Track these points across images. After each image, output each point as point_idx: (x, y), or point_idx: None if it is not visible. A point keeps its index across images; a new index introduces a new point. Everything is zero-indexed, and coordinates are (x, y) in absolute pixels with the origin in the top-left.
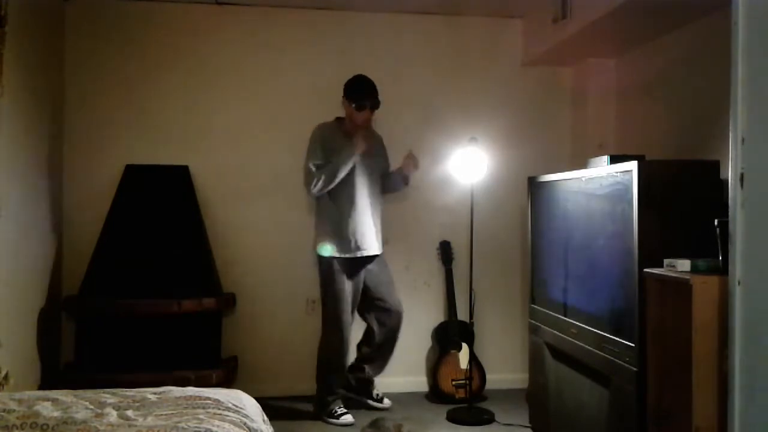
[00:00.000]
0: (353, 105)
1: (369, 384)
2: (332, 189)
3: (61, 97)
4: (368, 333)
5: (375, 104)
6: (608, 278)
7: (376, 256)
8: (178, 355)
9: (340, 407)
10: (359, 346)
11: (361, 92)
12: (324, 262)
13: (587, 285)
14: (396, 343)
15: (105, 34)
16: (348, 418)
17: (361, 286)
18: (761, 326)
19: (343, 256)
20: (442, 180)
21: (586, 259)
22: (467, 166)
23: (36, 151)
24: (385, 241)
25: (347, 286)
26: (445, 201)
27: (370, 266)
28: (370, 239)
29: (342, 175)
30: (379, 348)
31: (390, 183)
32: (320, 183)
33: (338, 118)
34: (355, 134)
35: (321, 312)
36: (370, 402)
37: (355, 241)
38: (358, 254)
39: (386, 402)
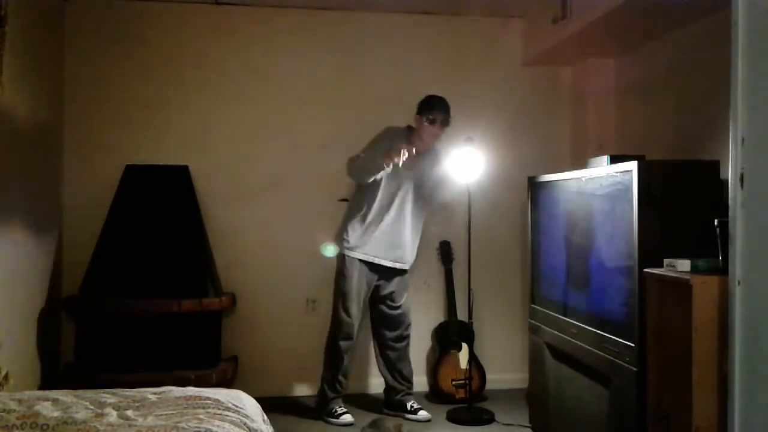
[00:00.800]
0: (424, 119)
1: (397, 395)
2: (378, 191)
3: (61, 97)
4: (381, 350)
5: (446, 120)
6: (608, 278)
7: (397, 271)
8: (178, 355)
9: (340, 406)
10: (378, 363)
11: (432, 107)
12: (338, 257)
13: (587, 285)
14: (408, 347)
15: (105, 34)
16: (347, 417)
17: (370, 289)
18: (761, 326)
19: (360, 257)
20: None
21: (586, 259)
22: (464, 166)
23: (36, 150)
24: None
25: (355, 286)
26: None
27: (386, 277)
28: (394, 251)
29: (372, 172)
30: (393, 356)
31: (441, 190)
32: (358, 173)
33: (409, 127)
34: (401, 148)
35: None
36: (406, 416)
37: (379, 248)
38: (377, 261)
39: (422, 414)
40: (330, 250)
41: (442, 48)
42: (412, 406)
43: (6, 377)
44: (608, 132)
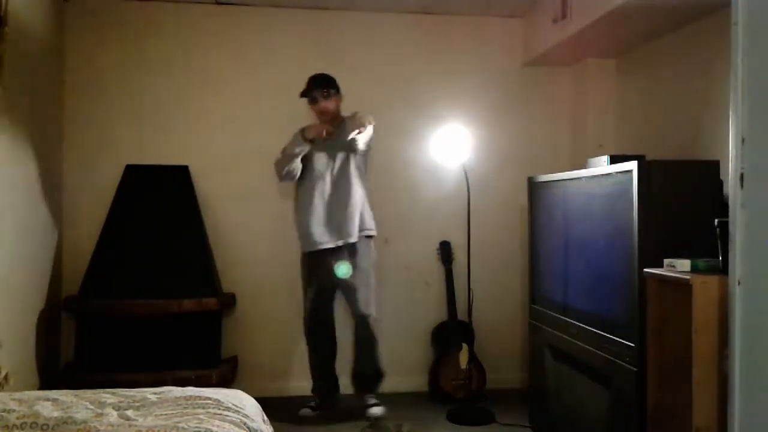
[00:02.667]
0: (308, 101)
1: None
2: (306, 179)
3: (61, 97)
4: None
5: (325, 92)
6: (608, 278)
7: (347, 252)
8: (178, 355)
9: (314, 401)
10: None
11: (308, 88)
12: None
13: (587, 285)
14: (374, 352)
15: (105, 34)
16: (303, 411)
17: (333, 281)
18: (761, 326)
19: (305, 250)
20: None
21: (586, 259)
22: (451, 146)
23: (36, 151)
24: (385, 241)
25: (313, 284)
26: (446, 200)
27: (341, 261)
28: (324, 230)
29: (293, 160)
30: (356, 359)
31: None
32: (277, 167)
33: None
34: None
35: None
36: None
37: (311, 234)
38: (315, 248)
39: (376, 410)
40: (342, 270)
41: (442, 47)
42: (369, 401)
43: (6, 377)
44: (608, 132)
